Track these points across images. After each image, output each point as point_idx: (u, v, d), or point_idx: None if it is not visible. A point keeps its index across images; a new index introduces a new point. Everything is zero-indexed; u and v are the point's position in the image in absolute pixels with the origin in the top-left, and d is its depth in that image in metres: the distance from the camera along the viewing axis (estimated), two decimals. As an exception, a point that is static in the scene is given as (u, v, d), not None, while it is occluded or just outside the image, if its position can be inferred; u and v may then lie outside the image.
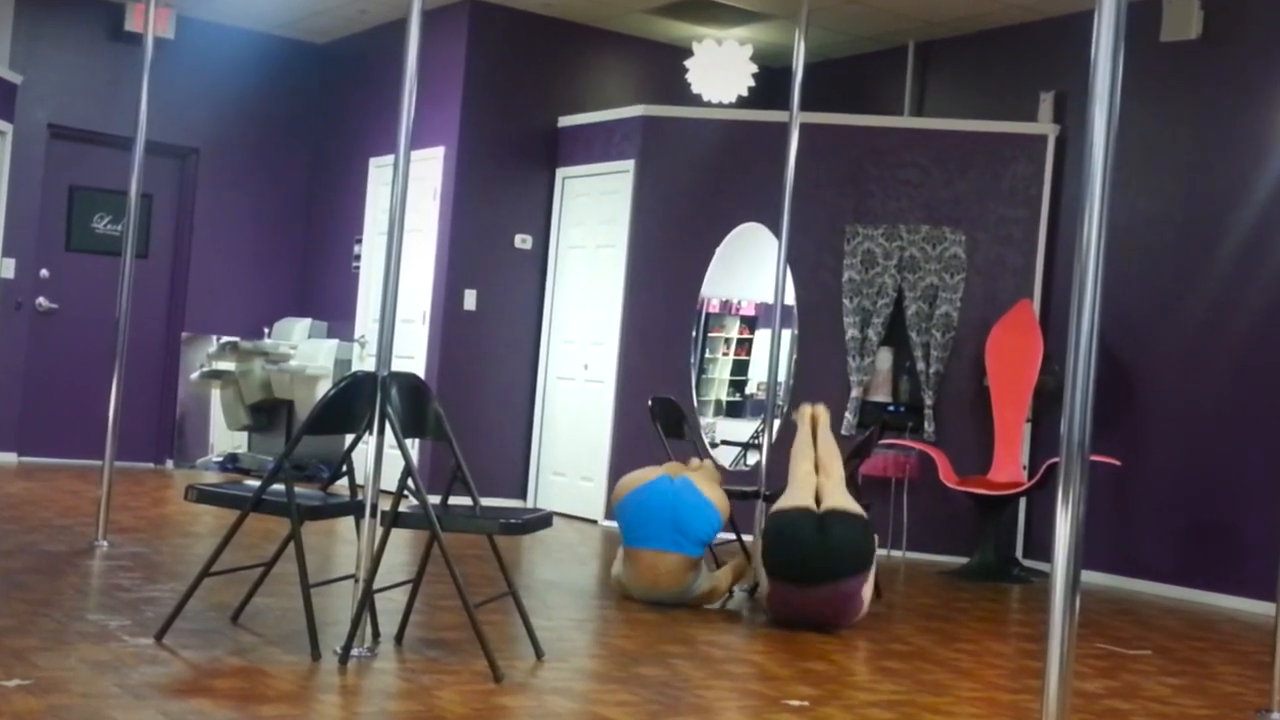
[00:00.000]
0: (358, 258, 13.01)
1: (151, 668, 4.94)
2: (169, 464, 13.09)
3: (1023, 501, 10.42)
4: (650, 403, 8.89)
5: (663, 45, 12.60)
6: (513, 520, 5.59)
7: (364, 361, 12.30)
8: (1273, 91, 9.41)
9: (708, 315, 14.49)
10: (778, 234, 8.87)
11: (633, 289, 11.33)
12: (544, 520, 5.76)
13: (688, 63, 11.55)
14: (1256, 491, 9.22)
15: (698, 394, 11.67)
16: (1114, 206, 3.14)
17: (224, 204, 13.41)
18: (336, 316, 13.14)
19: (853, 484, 7.58)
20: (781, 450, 9.09)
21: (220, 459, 13.05)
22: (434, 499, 5.53)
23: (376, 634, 5.65)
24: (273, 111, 13.63)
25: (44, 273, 12.58)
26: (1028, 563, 10.22)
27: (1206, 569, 9.48)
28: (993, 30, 11.36)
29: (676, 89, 11.95)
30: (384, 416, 5.43)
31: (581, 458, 11.58)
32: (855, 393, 10.74)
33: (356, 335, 12.72)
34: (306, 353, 12.71)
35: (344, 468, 5.84)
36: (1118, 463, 9.32)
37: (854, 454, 8.66)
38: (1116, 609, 8.76)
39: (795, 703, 5.26)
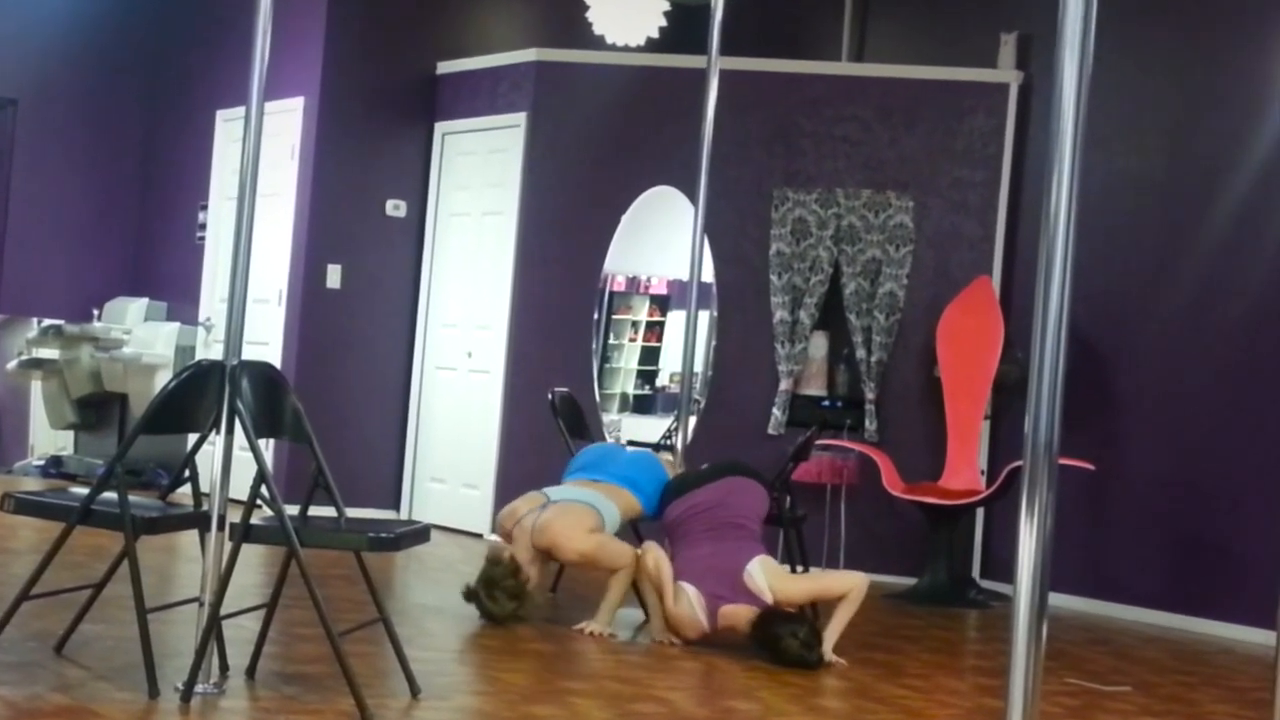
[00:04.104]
0: (203, 227, 12.92)
1: (-44, 710, 4.89)
2: (-21, 469, 12.99)
3: (980, 513, 10.49)
4: (551, 396, 8.88)
5: (561, -21, 12.59)
6: (384, 534, 5.58)
7: (210, 349, 12.23)
8: (1271, 33, 9.48)
9: (612, 294, 14.52)
10: (694, 199, 8.88)
11: (524, 264, 11.30)
12: (420, 534, 5.75)
13: (589, -2, 11.56)
14: (1253, 501, 9.29)
15: (600, 386, 11.69)
16: (1087, 167, 3.15)
17: (46, 164, 13.27)
18: (178, 296, 13.05)
19: (785, 491, 7.61)
20: (697, 454, 9.11)
21: (42, 462, 12.92)
22: (292, 510, 5.50)
23: (225, 667, 5.62)
24: (104, 56, 13.49)
25: None
26: (986, 584, 10.28)
27: (1195, 591, 9.55)
28: (945, -36, 11.43)
29: (575, 30, 11.90)
30: (233, 413, 5.39)
31: (464, 461, 11.55)
32: (784, 385, 10.76)
33: (201, 318, 12.64)
34: (142, 338, 12.62)
35: (186, 473, 5.80)
36: (1091, 467, 9.35)
37: (791, 458, 8.67)
38: (1090, 638, 8.84)
39: (716, 747, 5.27)
